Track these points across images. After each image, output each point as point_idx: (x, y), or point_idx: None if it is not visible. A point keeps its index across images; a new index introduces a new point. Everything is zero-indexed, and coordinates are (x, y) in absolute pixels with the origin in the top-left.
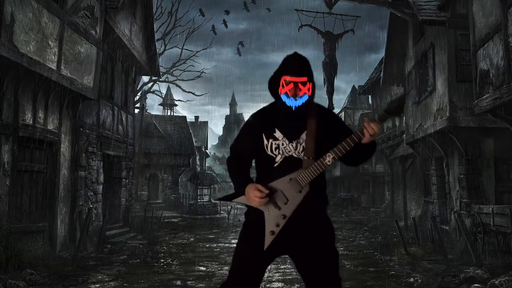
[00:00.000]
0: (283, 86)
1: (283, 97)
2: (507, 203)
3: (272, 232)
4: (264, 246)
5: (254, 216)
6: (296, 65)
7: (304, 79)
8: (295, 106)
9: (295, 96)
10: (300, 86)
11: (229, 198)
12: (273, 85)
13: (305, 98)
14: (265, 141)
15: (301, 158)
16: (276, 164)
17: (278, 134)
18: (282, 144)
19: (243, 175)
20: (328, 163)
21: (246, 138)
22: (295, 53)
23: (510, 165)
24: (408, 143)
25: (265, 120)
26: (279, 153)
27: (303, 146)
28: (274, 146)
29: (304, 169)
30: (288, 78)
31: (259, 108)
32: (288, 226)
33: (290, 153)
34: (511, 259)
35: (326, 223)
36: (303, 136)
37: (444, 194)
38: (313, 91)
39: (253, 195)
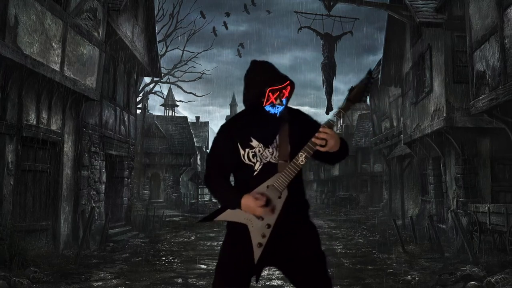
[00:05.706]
0: (268, 97)
1: (268, 108)
2: (503, 202)
3: (260, 244)
4: (252, 259)
5: (236, 229)
6: (276, 73)
7: (287, 83)
8: (279, 112)
9: (281, 101)
10: (284, 91)
11: (211, 217)
12: (252, 98)
13: (285, 100)
14: (242, 151)
15: (277, 163)
16: (255, 173)
17: (254, 142)
18: (259, 151)
19: (231, 189)
20: (302, 163)
21: (222, 151)
22: (262, 61)
23: (506, 165)
24: (405, 143)
25: (238, 130)
26: (257, 160)
27: (278, 150)
28: (251, 154)
29: (280, 173)
30: (275, 88)
31: (228, 120)
32: (273, 235)
33: (267, 159)
34: (507, 257)
35: (310, 228)
36: (277, 139)
37: (441, 193)
38: (289, 93)
39: (255, 205)
